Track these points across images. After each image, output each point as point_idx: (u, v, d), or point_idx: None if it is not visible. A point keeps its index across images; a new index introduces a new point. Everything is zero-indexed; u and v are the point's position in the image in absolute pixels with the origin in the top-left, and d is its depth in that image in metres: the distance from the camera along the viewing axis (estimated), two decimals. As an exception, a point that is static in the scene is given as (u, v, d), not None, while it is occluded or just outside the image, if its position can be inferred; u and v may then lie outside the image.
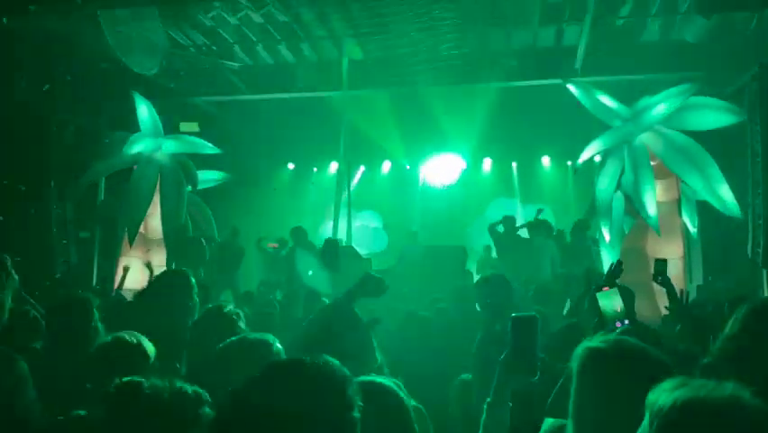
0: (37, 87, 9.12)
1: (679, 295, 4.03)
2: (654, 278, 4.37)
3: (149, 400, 1.56)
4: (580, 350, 1.68)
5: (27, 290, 4.21)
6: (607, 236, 8.87)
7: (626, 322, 2.84)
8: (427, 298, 5.97)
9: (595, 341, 1.71)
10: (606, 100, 8.78)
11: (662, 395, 1.18)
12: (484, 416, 1.88)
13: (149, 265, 7.66)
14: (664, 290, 4.56)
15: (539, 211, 9.66)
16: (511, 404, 1.85)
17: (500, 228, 9.38)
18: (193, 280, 3.35)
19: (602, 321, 2.90)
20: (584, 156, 9.09)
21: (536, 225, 9.23)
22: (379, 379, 1.73)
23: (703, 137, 8.24)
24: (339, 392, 1.08)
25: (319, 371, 1.10)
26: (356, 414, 1.10)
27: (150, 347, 2.44)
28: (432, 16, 9.02)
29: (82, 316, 3.17)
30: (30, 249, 8.75)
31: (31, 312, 3.71)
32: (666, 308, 4.36)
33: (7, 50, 8.40)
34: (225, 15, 8.98)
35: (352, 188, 12.12)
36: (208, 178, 10.64)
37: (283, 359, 1.33)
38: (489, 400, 1.89)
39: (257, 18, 9.23)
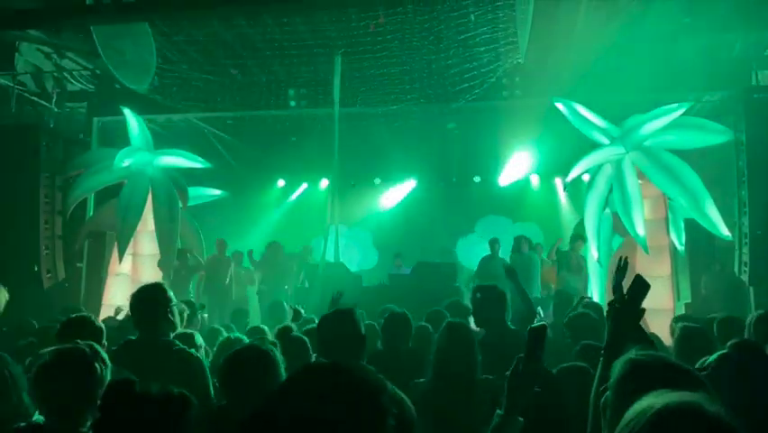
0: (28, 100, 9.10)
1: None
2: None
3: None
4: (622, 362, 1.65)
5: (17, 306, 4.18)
6: (595, 255, 8.93)
7: None
8: (418, 314, 5.92)
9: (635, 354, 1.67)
10: (594, 119, 8.87)
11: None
12: (493, 425, 1.86)
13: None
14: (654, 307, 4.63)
15: None
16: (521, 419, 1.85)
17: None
18: (171, 294, 3.30)
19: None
20: (573, 174, 9.16)
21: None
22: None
23: (690, 156, 8.36)
24: (374, 398, 1.08)
25: (353, 375, 1.10)
26: (391, 421, 1.09)
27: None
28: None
29: None
30: (18, 263, 8.67)
31: None
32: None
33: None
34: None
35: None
36: (205, 194, 10.59)
37: (318, 362, 1.30)
38: (500, 412, 1.87)
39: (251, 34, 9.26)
